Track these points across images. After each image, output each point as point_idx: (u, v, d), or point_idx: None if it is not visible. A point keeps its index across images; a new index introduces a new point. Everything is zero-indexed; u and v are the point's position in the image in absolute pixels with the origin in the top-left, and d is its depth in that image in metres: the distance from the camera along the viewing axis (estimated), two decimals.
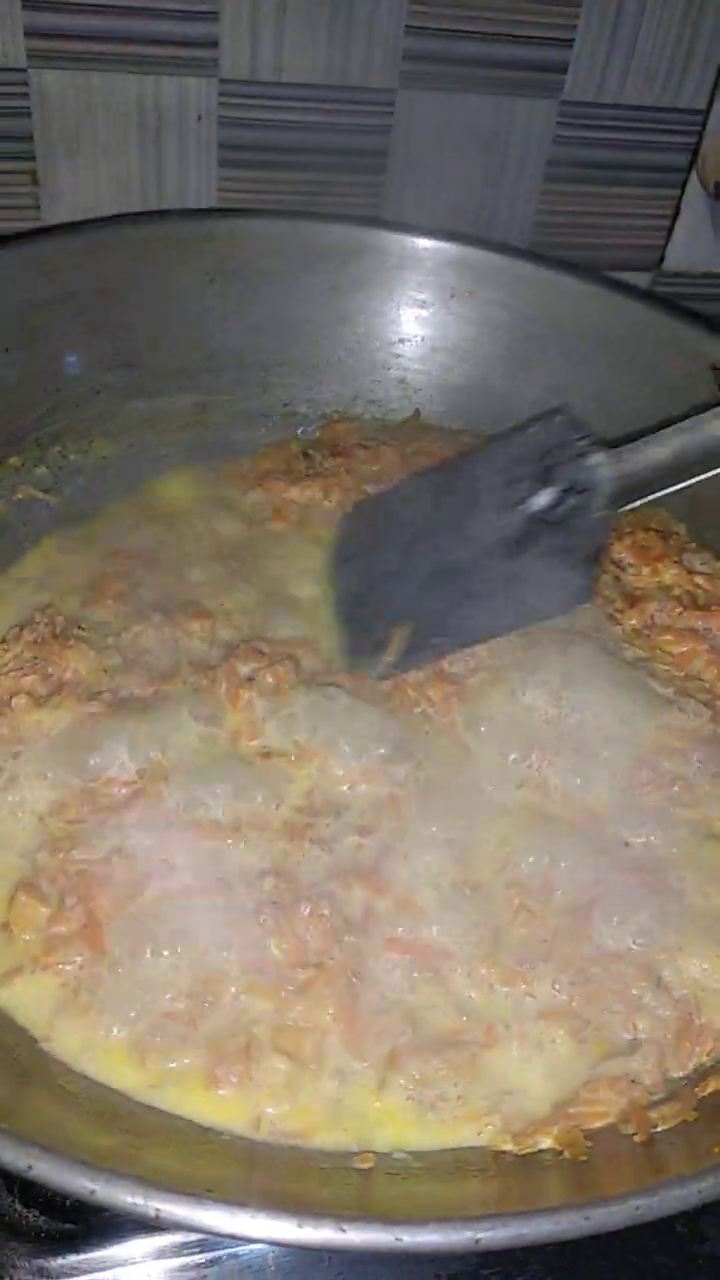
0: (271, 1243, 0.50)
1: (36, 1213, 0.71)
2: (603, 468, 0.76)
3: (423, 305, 1.14)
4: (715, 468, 0.76)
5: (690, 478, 0.77)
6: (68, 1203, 0.74)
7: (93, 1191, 0.47)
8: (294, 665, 0.87)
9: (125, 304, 1.06)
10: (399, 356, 1.16)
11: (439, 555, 0.86)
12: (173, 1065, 0.66)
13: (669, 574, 0.99)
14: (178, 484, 1.08)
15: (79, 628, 0.89)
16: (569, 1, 1.10)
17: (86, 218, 1.09)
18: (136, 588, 0.95)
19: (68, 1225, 0.71)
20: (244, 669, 0.86)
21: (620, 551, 1.01)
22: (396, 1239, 0.45)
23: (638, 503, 0.78)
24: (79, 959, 0.69)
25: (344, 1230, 0.45)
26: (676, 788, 0.83)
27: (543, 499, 0.78)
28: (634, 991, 0.71)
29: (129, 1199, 0.47)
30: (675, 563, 1.00)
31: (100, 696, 0.83)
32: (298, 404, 1.17)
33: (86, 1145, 0.55)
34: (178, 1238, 0.69)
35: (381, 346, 1.16)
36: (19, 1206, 0.71)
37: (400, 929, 0.73)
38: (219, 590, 0.95)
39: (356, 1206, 0.54)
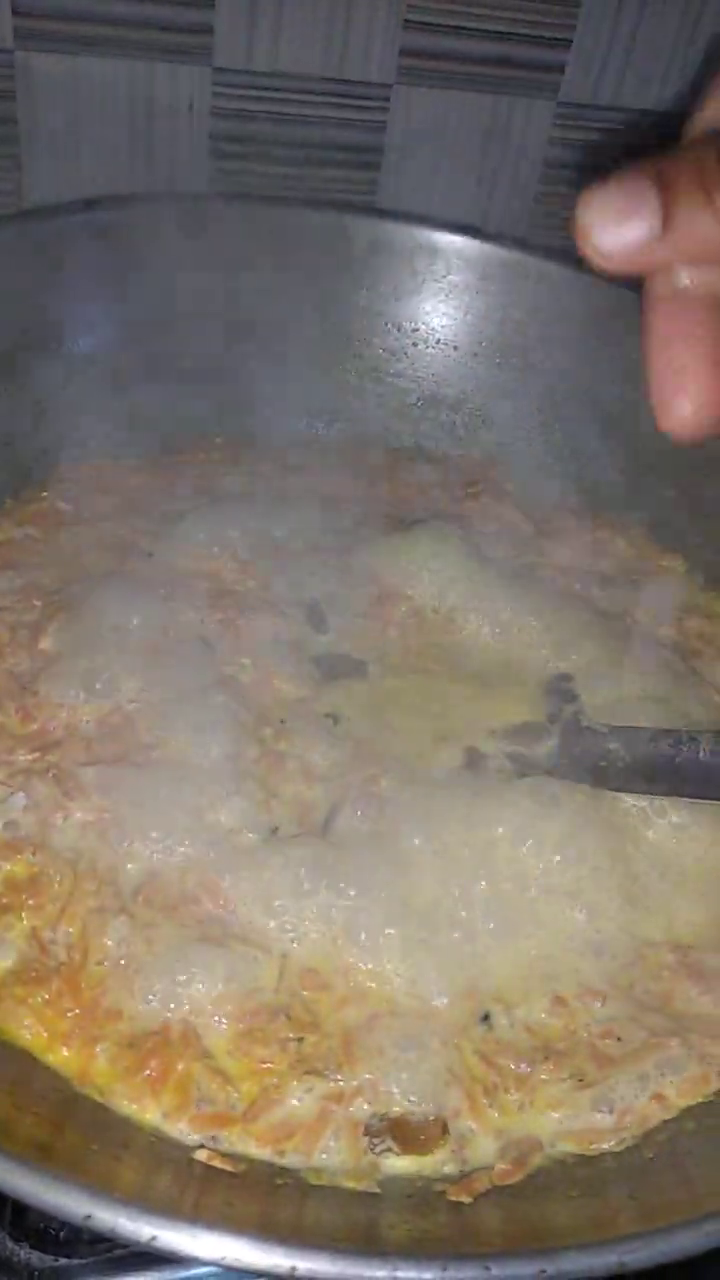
0: None
1: (28, 1247, 0.68)
2: None
3: (392, 295, 1.10)
4: None
5: None
6: (60, 1235, 0.71)
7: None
8: None
9: (103, 290, 1.01)
10: (369, 345, 1.11)
11: None
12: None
13: None
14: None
15: None
16: (569, 1, 1.08)
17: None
18: None
19: (61, 1260, 0.68)
20: None
21: None
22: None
23: None
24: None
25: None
26: None
27: None
28: None
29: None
30: None
31: None
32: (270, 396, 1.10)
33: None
34: (180, 1271, 0.67)
35: (357, 334, 1.11)
36: (10, 1243, 0.68)
37: None
38: None
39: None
